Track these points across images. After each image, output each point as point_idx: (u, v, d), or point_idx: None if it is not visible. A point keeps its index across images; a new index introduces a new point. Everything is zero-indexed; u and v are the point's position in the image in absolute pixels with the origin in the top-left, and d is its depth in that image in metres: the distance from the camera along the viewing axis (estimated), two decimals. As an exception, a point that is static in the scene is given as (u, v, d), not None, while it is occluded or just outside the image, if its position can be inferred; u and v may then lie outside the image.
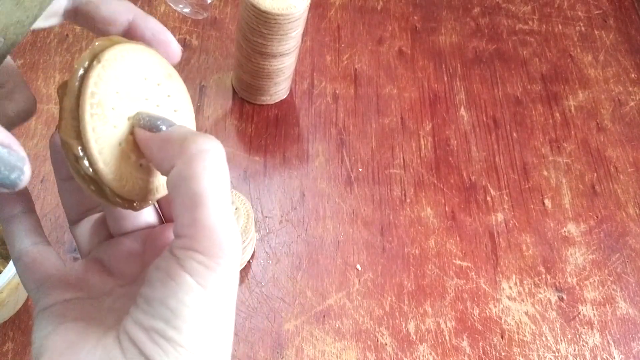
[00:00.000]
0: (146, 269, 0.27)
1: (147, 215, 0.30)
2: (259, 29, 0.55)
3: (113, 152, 0.25)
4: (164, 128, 0.24)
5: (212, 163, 0.21)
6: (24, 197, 0.29)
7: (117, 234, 0.30)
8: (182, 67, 0.65)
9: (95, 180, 0.25)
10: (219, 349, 0.22)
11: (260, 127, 0.63)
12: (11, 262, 0.42)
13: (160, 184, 0.28)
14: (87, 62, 0.25)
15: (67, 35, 0.66)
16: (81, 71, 0.24)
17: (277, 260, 0.55)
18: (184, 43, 0.67)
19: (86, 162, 0.24)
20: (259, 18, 0.54)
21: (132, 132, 0.26)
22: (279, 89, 0.63)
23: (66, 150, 0.25)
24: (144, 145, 0.24)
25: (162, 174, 0.24)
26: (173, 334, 0.21)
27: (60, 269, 0.28)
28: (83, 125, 0.24)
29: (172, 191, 0.22)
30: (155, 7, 0.69)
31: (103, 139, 0.24)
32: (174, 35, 0.68)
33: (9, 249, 0.29)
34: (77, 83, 0.24)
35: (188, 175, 0.21)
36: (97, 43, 0.25)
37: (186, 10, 0.68)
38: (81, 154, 0.24)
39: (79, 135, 0.24)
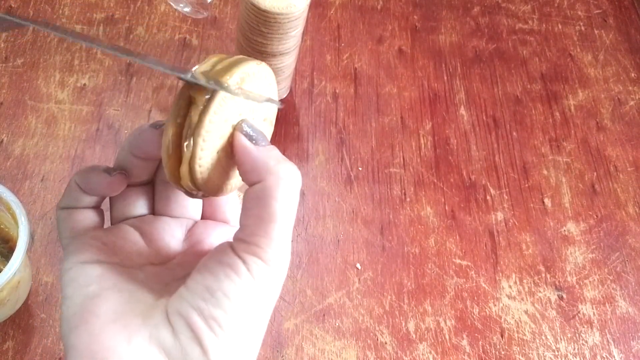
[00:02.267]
0: (182, 255, 0.29)
1: (195, 209, 0.32)
2: (259, 28, 0.55)
3: (212, 150, 0.26)
4: (263, 143, 0.26)
5: (293, 189, 0.25)
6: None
7: (160, 214, 0.31)
8: (182, 67, 0.65)
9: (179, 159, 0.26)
10: (260, 332, 0.26)
11: (260, 126, 0.63)
12: (11, 261, 0.42)
13: (230, 186, 0.29)
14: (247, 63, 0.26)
15: (67, 34, 0.66)
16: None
17: (277, 259, 0.55)
18: (184, 42, 0.67)
19: (189, 146, 0.26)
20: (259, 17, 0.54)
21: (229, 140, 0.27)
22: (279, 88, 0.63)
23: (177, 107, 0.26)
24: (240, 151, 0.26)
25: (245, 181, 0.26)
26: (228, 321, 0.24)
27: (98, 226, 0.29)
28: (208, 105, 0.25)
29: (251, 201, 0.25)
30: (155, 7, 0.69)
31: (211, 135, 0.26)
32: (174, 35, 0.68)
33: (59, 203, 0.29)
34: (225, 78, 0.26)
35: (272, 194, 0.25)
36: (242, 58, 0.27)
37: (186, 9, 0.68)
38: (189, 142, 0.26)
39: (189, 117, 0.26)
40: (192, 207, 0.32)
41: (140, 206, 0.31)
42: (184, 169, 0.26)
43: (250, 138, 0.26)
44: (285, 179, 0.25)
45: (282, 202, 0.25)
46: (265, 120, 0.30)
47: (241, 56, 0.28)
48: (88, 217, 0.29)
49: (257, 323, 0.25)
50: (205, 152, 0.26)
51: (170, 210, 0.31)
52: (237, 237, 0.25)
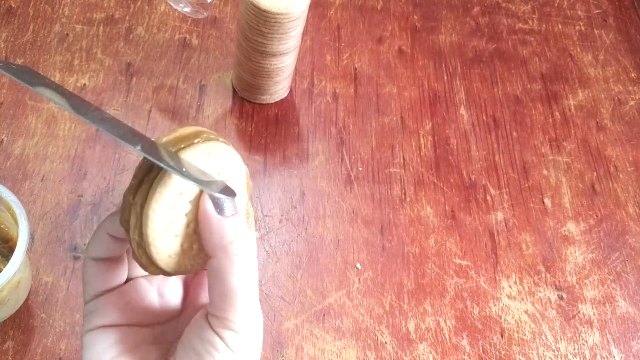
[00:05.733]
0: (183, 313, 0.32)
1: None
2: (259, 28, 0.55)
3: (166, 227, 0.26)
4: (228, 213, 0.27)
5: (248, 261, 0.27)
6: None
7: None
8: (182, 67, 0.65)
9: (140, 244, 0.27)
10: None
11: (260, 126, 0.63)
12: (11, 261, 0.42)
13: (198, 261, 0.29)
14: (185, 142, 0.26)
15: (67, 34, 0.66)
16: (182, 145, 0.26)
17: (277, 259, 0.55)
18: (184, 42, 0.67)
19: (136, 232, 0.26)
20: (259, 17, 0.54)
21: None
22: (279, 88, 0.63)
23: (123, 208, 0.26)
24: (201, 217, 0.27)
25: (205, 247, 0.27)
26: None
27: (122, 283, 0.31)
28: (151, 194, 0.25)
29: (212, 277, 0.27)
30: (155, 7, 0.69)
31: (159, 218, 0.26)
32: (174, 35, 0.68)
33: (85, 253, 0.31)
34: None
35: (228, 270, 0.26)
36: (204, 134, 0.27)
37: (186, 9, 0.68)
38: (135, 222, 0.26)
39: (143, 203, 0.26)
40: None
41: None
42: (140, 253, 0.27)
43: (217, 204, 0.27)
44: (239, 254, 0.26)
45: (239, 275, 0.26)
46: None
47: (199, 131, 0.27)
48: (115, 274, 0.30)
49: None
50: (157, 229, 0.26)
51: None
52: (209, 311, 0.27)
